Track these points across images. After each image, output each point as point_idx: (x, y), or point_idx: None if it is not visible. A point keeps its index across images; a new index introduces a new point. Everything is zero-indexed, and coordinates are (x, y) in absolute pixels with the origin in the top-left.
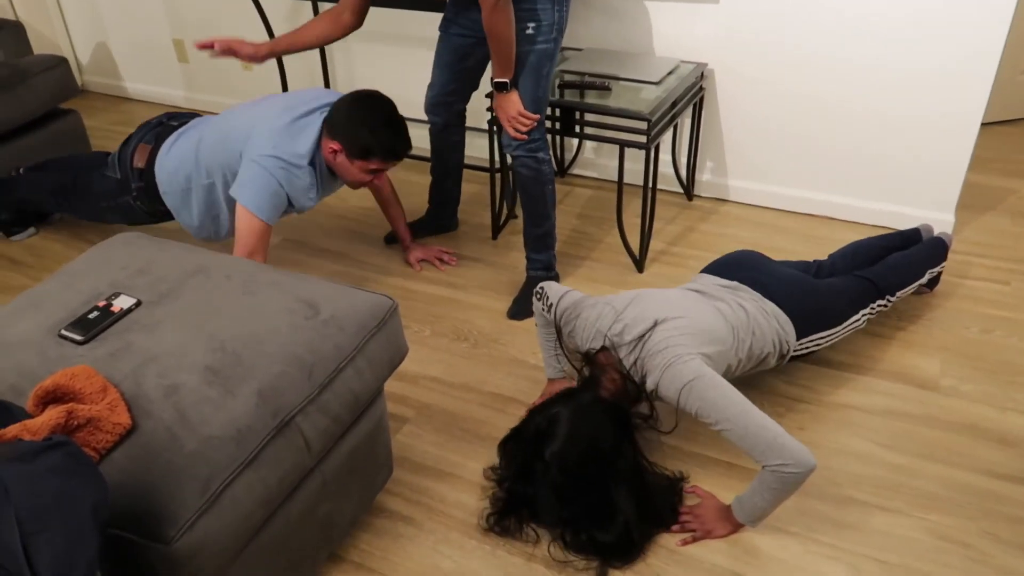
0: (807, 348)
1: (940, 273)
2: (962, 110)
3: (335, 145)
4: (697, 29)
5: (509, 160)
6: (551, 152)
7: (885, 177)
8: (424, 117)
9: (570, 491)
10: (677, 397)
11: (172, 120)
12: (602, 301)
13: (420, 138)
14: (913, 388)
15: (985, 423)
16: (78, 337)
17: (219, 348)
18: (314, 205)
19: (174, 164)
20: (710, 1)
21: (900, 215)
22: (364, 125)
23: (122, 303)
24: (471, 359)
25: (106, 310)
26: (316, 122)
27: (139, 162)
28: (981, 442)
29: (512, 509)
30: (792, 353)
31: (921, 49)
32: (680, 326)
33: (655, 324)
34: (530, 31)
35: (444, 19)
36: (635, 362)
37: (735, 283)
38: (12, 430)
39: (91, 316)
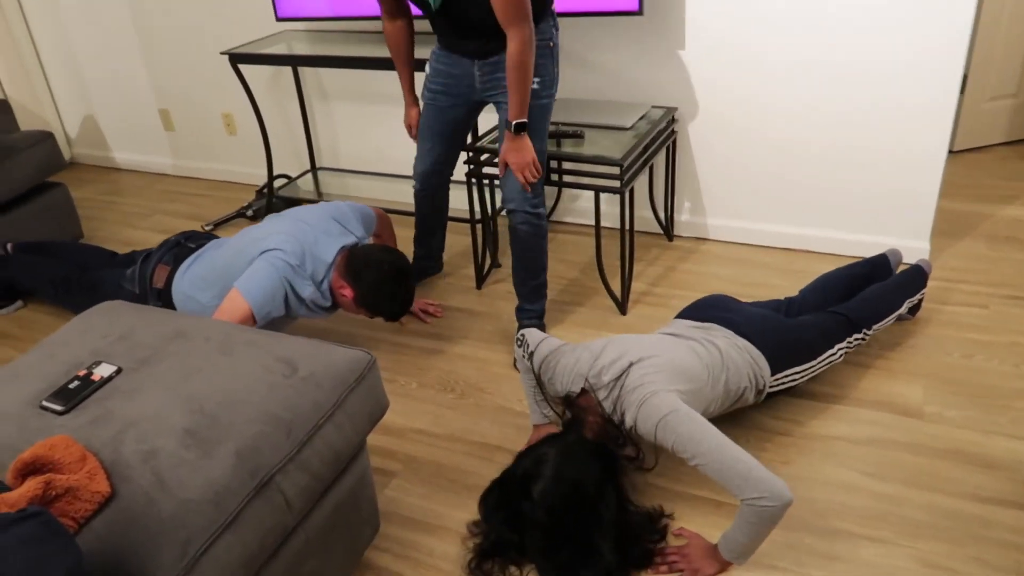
0: (783, 383)
1: (921, 300)
2: (928, 141)
3: (348, 292)
4: (666, 74)
5: (510, 219)
6: None
7: (859, 208)
8: (404, 172)
9: (558, 531)
10: (654, 432)
11: (190, 241)
12: (580, 347)
13: (402, 192)
14: (897, 416)
15: (970, 448)
16: (58, 407)
17: (197, 410)
18: (308, 315)
19: (188, 286)
20: (676, 47)
21: (877, 244)
22: (384, 292)
23: (103, 371)
24: (457, 409)
25: (87, 379)
26: (331, 250)
27: (158, 282)
28: (966, 467)
29: (494, 552)
30: (769, 389)
31: (883, 86)
32: (655, 364)
33: (630, 364)
34: (536, 86)
35: (429, 89)
36: (614, 403)
37: (707, 323)
38: None
39: (72, 386)
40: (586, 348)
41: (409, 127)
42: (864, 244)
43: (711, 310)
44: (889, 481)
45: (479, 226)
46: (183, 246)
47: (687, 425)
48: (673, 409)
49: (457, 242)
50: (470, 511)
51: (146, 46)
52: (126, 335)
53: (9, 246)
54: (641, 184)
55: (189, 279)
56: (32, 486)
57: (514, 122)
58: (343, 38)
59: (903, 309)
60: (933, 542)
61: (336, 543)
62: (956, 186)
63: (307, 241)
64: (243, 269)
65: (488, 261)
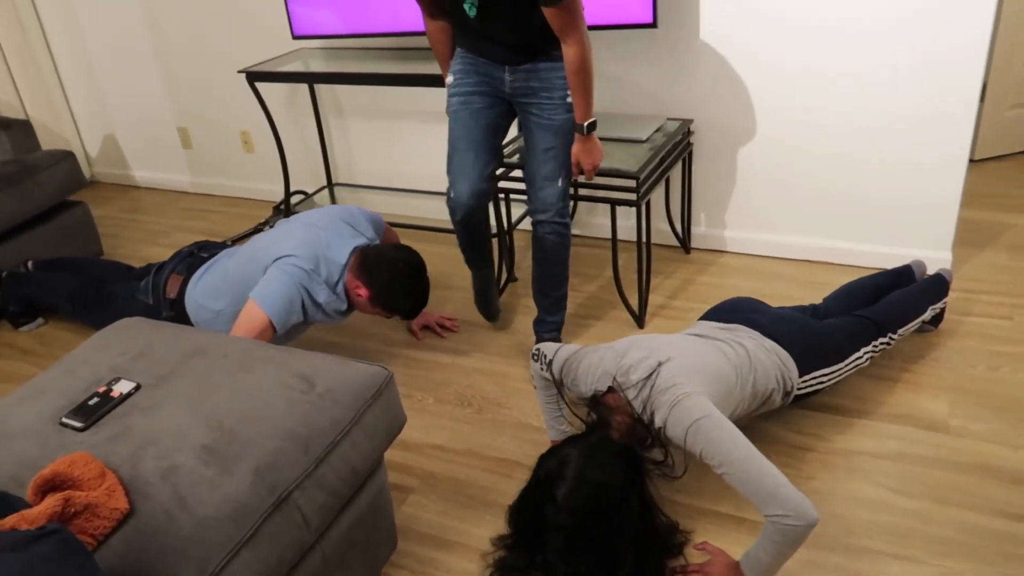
0: (811, 386)
1: (943, 310)
2: (948, 150)
3: (363, 292)
4: (681, 86)
5: (538, 228)
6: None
7: (879, 219)
8: (419, 187)
9: (581, 535)
10: (684, 435)
11: (203, 251)
12: (603, 347)
13: (417, 207)
14: (922, 430)
15: (997, 462)
16: (78, 424)
17: (216, 427)
18: (325, 320)
19: (201, 295)
20: (691, 59)
21: (897, 256)
22: (399, 290)
23: (122, 388)
24: (475, 425)
25: (106, 395)
26: (344, 252)
27: (171, 292)
28: (994, 482)
29: (515, 565)
30: (796, 391)
31: (901, 96)
32: (685, 364)
33: (659, 364)
34: (570, 99)
35: (458, 93)
36: (643, 402)
37: (733, 324)
38: (10, 520)
39: (91, 402)
40: (610, 348)
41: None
42: (885, 255)
43: (736, 312)
44: (915, 497)
45: (495, 240)
46: (196, 256)
47: (718, 432)
48: (706, 414)
49: None
50: (488, 527)
51: (164, 65)
52: (145, 352)
53: (29, 264)
54: (657, 196)
55: (202, 288)
56: (51, 503)
57: (585, 124)
58: (358, 55)
59: (927, 315)
60: (961, 560)
61: (353, 560)
62: (977, 196)
63: (319, 245)
64: (256, 277)
65: (504, 275)
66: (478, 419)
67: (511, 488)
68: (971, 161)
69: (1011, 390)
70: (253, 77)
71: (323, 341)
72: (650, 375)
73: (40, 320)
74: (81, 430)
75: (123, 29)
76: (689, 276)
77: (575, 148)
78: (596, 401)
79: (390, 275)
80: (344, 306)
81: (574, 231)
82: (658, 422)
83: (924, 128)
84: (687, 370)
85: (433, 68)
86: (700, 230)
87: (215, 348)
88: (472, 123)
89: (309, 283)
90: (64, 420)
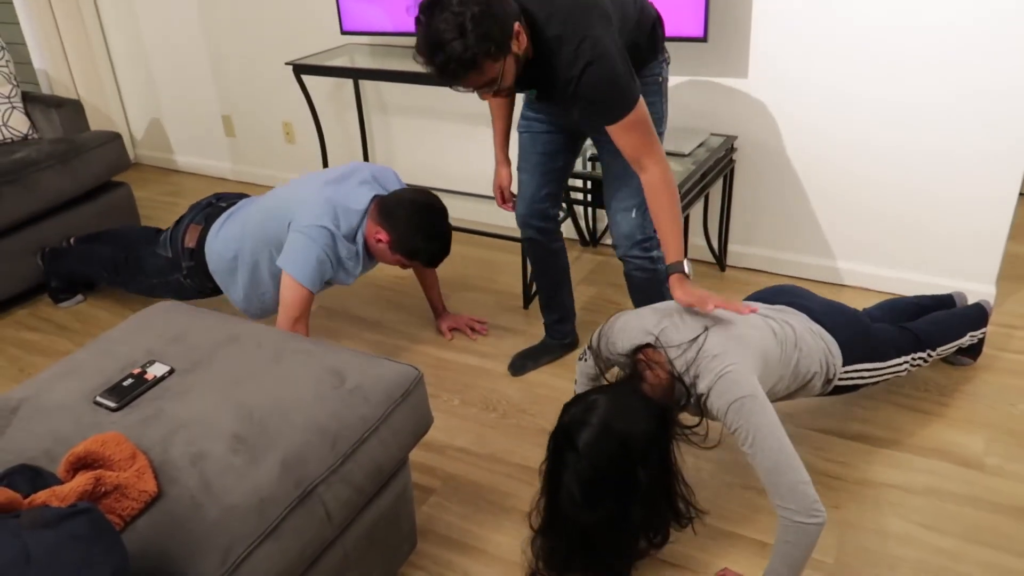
0: (852, 379)
1: (982, 341)
2: (998, 184)
3: (383, 236)
4: (727, 102)
5: (623, 264)
6: (586, 222)
7: (922, 248)
8: (458, 188)
9: (597, 482)
10: (726, 409)
11: (221, 201)
12: (645, 308)
13: (456, 207)
14: (956, 466)
15: None
16: (112, 404)
17: (247, 416)
18: (351, 281)
19: (222, 244)
20: (739, 76)
21: (940, 286)
22: (420, 231)
23: (156, 371)
24: (499, 429)
25: (140, 377)
26: (362, 199)
27: (190, 242)
28: None
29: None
30: (838, 381)
31: (952, 125)
32: (734, 334)
33: (707, 328)
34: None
35: (524, 117)
36: (687, 363)
37: (780, 305)
38: (41, 495)
39: (125, 383)
40: (652, 308)
41: (500, 189)
42: (927, 285)
43: (784, 295)
44: (947, 535)
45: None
46: (215, 206)
47: (759, 416)
48: (751, 393)
49: (505, 261)
50: (507, 533)
51: (214, 55)
52: (180, 337)
53: (72, 240)
54: (696, 212)
55: (222, 238)
56: (83, 481)
57: (682, 262)
58: (405, 53)
59: (965, 340)
60: None
61: (373, 558)
62: None
63: (338, 198)
64: (276, 230)
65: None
66: (502, 424)
67: (531, 495)
68: (1021, 195)
69: None
70: (300, 70)
71: (357, 338)
72: (697, 337)
73: (80, 297)
74: (115, 410)
75: (176, 17)
76: (723, 294)
77: (677, 294)
78: (634, 354)
79: (409, 216)
80: (358, 258)
81: (607, 241)
82: (701, 388)
83: (974, 159)
84: (736, 340)
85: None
86: (736, 248)
87: (249, 337)
88: (530, 147)
89: (334, 244)
90: (98, 399)
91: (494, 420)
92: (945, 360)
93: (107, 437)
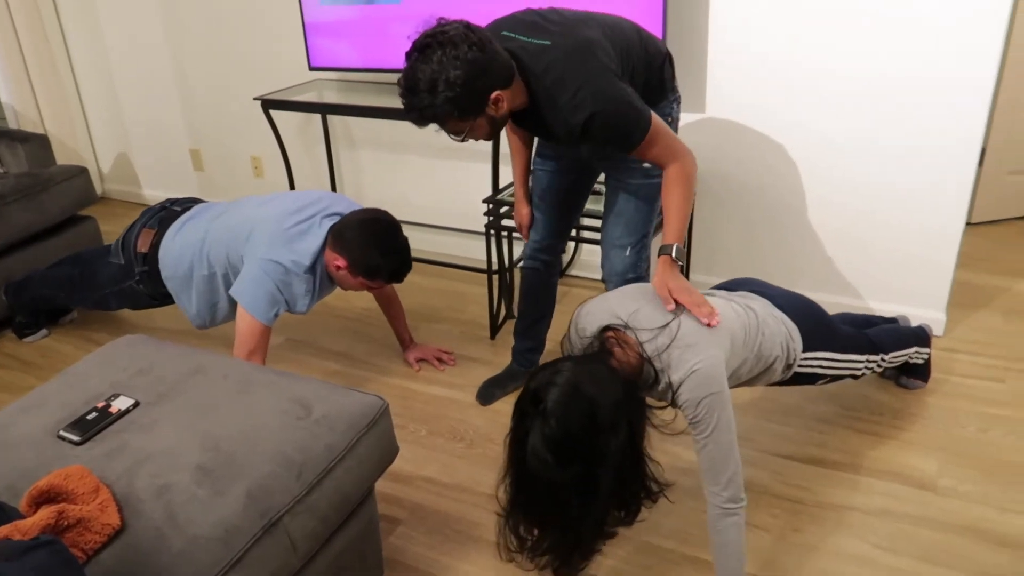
0: (811, 366)
1: (928, 361)
2: (946, 213)
3: (341, 262)
4: (686, 136)
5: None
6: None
7: (876, 276)
8: (426, 221)
9: (565, 445)
10: (696, 403)
11: (175, 205)
12: (611, 293)
13: (424, 240)
14: (911, 488)
15: (985, 525)
16: (76, 437)
17: (212, 448)
18: (307, 310)
19: (179, 250)
20: (698, 111)
21: (893, 312)
22: (375, 248)
23: (120, 404)
24: (467, 459)
25: (104, 411)
26: (319, 230)
27: (143, 247)
28: (982, 544)
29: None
30: (797, 367)
31: (901, 158)
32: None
33: (677, 315)
34: (647, 164)
35: (539, 155)
36: (658, 349)
37: (743, 292)
38: (3, 530)
39: (90, 417)
40: (621, 292)
41: (520, 227)
42: (880, 311)
43: (747, 284)
44: (902, 555)
45: (496, 276)
46: (169, 210)
47: (722, 411)
48: (721, 389)
49: (472, 292)
50: (475, 563)
51: (183, 89)
52: (146, 369)
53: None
54: (658, 241)
55: (180, 245)
56: (45, 515)
57: (674, 245)
58: (373, 88)
59: (911, 351)
60: None
61: None
62: (974, 258)
63: (298, 230)
64: (237, 249)
65: (503, 312)
66: (470, 454)
67: (500, 523)
68: (968, 224)
69: (1001, 453)
70: (268, 105)
71: (323, 369)
72: (669, 323)
73: (44, 332)
74: (78, 444)
75: (145, 52)
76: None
77: (657, 276)
78: (602, 333)
79: (362, 235)
80: (315, 291)
81: (576, 272)
82: (673, 379)
83: (923, 190)
84: (705, 331)
85: None
86: (699, 277)
87: (215, 368)
88: (544, 184)
89: (287, 276)
90: (62, 433)
91: (461, 450)
92: (898, 384)
93: (70, 471)
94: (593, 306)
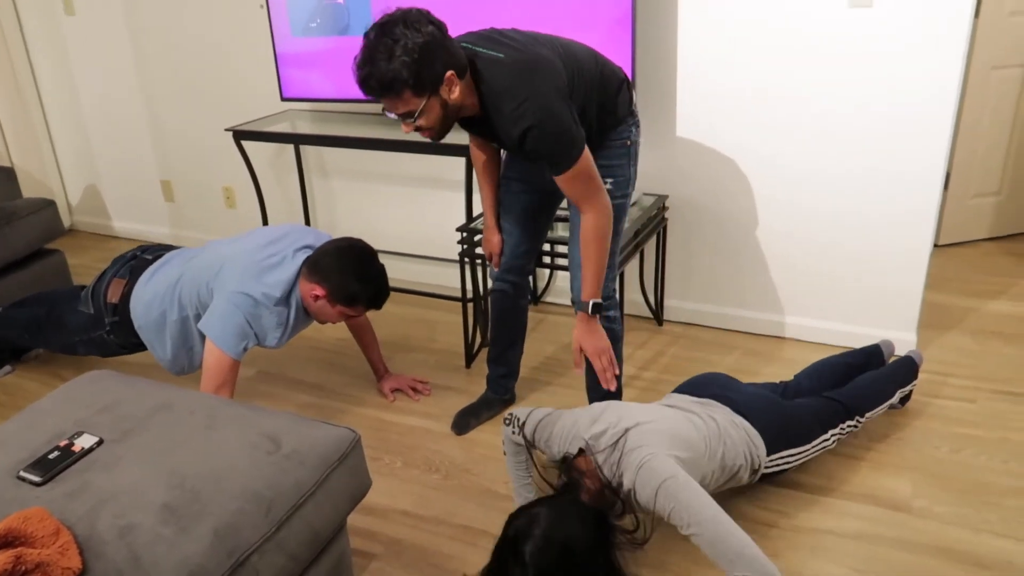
0: (778, 465)
1: (911, 391)
2: (913, 237)
3: (319, 291)
4: (657, 163)
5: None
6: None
7: (847, 300)
8: (399, 249)
9: None
10: (654, 497)
11: (146, 253)
12: (577, 410)
13: (397, 268)
14: (885, 510)
15: (959, 545)
16: (36, 478)
17: (178, 485)
18: (279, 345)
19: (149, 297)
20: (667, 140)
21: (864, 335)
22: (352, 275)
23: (84, 442)
24: (442, 491)
25: (67, 449)
26: (290, 263)
27: (113, 297)
28: (956, 565)
29: None
30: (764, 470)
31: (869, 186)
32: (654, 428)
33: (627, 430)
34: (609, 186)
35: (504, 176)
36: (612, 466)
37: (705, 399)
38: None
39: (51, 456)
40: (585, 411)
41: (489, 255)
42: (853, 335)
43: (709, 387)
44: None
45: (470, 305)
46: (140, 259)
47: (686, 492)
48: (672, 474)
49: (447, 320)
50: None
51: (153, 120)
52: (110, 406)
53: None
54: (632, 268)
55: (151, 293)
56: (3, 560)
57: (590, 302)
58: (345, 119)
59: (895, 399)
60: None
61: None
62: (942, 279)
63: (270, 263)
64: (203, 288)
65: (479, 340)
66: (445, 485)
67: (476, 557)
68: (936, 246)
69: (973, 473)
70: (240, 135)
71: (296, 402)
72: (618, 440)
73: (8, 368)
74: (39, 484)
75: (115, 82)
76: (661, 348)
77: (576, 331)
78: (567, 464)
79: (339, 262)
80: (288, 323)
81: (550, 299)
82: (627, 484)
83: (890, 215)
84: (655, 434)
85: (414, 135)
86: (673, 303)
87: (182, 404)
88: (510, 205)
89: (256, 309)
90: (22, 474)
91: (437, 481)
92: None
93: (30, 513)
94: (562, 427)
